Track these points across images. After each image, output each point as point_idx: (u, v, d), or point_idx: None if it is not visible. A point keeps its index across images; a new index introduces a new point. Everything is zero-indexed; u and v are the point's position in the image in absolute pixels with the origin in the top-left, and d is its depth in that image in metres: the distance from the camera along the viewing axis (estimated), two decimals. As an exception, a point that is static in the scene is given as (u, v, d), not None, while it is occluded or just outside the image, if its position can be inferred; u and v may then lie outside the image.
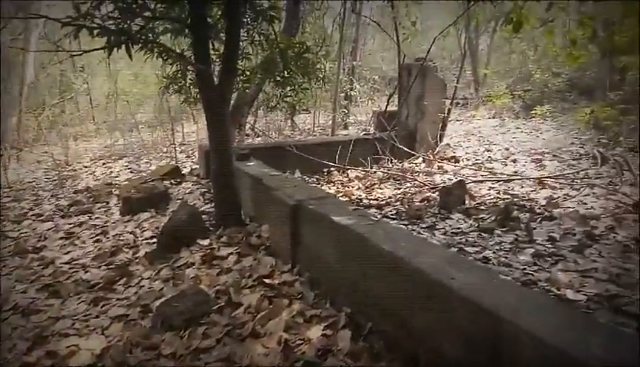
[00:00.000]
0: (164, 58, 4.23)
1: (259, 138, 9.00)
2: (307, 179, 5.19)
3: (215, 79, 3.47)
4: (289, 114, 9.60)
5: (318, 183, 5.16)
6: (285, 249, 2.79)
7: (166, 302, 2.41)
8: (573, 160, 5.91)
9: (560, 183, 4.69)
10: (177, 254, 3.10)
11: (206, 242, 3.18)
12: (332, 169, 5.44)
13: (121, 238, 3.66)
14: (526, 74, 12.11)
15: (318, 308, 2.28)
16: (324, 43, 8.82)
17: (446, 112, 6.63)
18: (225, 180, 3.45)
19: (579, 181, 4.72)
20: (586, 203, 4.03)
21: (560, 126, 8.78)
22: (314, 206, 2.62)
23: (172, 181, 4.93)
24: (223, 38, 3.54)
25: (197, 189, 4.58)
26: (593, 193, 4.31)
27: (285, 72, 5.17)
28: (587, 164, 5.47)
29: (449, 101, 6.80)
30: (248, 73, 5.25)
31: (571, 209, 3.86)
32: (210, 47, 4.65)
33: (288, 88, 5.61)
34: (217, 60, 4.37)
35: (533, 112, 9.37)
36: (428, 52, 5.82)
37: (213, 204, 3.84)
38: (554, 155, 6.29)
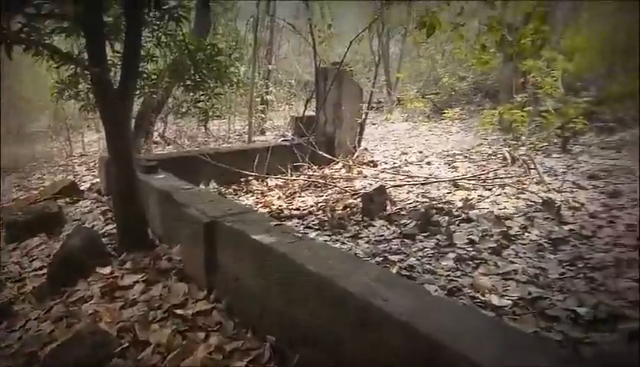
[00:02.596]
0: (56, 60, 3.75)
1: (170, 147, 8.47)
2: (223, 190, 4.89)
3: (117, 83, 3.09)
4: (202, 120, 9.15)
5: (236, 194, 4.89)
6: (200, 273, 2.52)
7: (57, 348, 2.03)
8: (483, 160, 6.19)
9: (474, 184, 4.84)
10: (72, 286, 2.68)
11: (107, 270, 2.79)
12: (251, 178, 5.19)
13: (3, 270, 3.13)
14: (435, 78, 12.68)
15: (239, 339, 2.04)
16: (238, 45, 8.53)
17: (363, 116, 6.65)
18: (128, 197, 3.07)
19: (490, 181, 4.91)
20: (499, 203, 4.17)
21: (468, 128, 9.25)
22: (231, 223, 2.38)
23: (68, 199, 4.37)
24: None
25: (98, 207, 4.10)
26: (505, 193, 4.48)
27: (196, 76, 4.85)
28: (496, 165, 5.73)
29: (366, 105, 6.83)
30: (154, 76, 4.85)
31: (486, 210, 3.96)
32: (110, 48, 4.23)
33: (200, 93, 5.27)
34: (118, 62, 3.95)
35: (443, 114, 9.78)
36: (344, 56, 5.78)
37: (115, 225, 3.43)
38: (465, 156, 6.56)
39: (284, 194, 4.81)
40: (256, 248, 2.12)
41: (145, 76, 4.73)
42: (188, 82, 4.90)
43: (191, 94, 5.61)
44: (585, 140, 6.89)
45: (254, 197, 4.77)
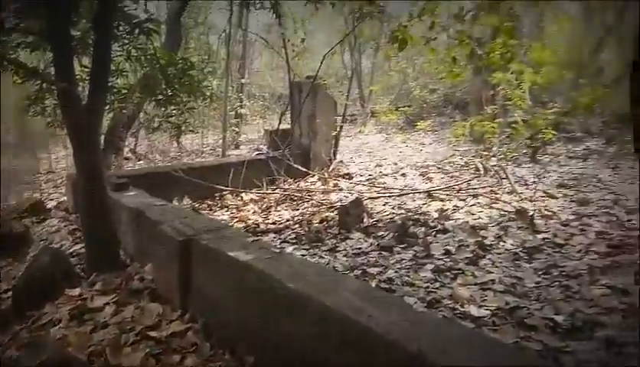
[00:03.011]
0: (21, 76, 3.63)
1: (141, 162, 8.29)
2: (197, 206, 4.80)
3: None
4: (175, 135, 9.00)
5: (211, 210, 4.80)
6: (174, 293, 2.43)
7: (22, 377, 1.92)
8: (456, 171, 6.27)
9: (448, 195, 4.89)
10: (39, 310, 2.55)
11: (76, 292, 2.66)
12: (225, 193, 5.11)
13: (-36, 295, 2.96)
14: (406, 91, 12.88)
15: (216, 361, 1.97)
16: (210, 59, 8.47)
17: (338, 129, 6.68)
18: (98, 215, 2.97)
19: (464, 192, 4.97)
20: (473, 214, 4.21)
21: (440, 139, 9.39)
22: (207, 241, 2.32)
23: (34, 218, 4.20)
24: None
25: (65, 226, 3.95)
26: (478, 203, 4.54)
27: (168, 90, 4.77)
28: (469, 175, 5.81)
29: (340, 118, 6.87)
30: (124, 91, 4.75)
31: (461, 221, 4.00)
32: (78, 63, 4.12)
33: (172, 107, 5.19)
34: (86, 77, 3.86)
35: (417, 126, 9.92)
36: (318, 70, 5.81)
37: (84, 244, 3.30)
38: (439, 167, 6.63)
39: (260, 208, 4.75)
40: (233, 266, 2.07)
41: (114, 90, 4.62)
42: (160, 97, 4.82)
43: (163, 109, 5.52)
44: (553, 149, 7.08)
45: (229, 212, 4.70)
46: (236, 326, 2.03)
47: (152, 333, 2.18)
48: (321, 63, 5.58)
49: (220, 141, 9.13)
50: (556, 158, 6.64)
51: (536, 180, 5.40)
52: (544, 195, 4.64)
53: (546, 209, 4.10)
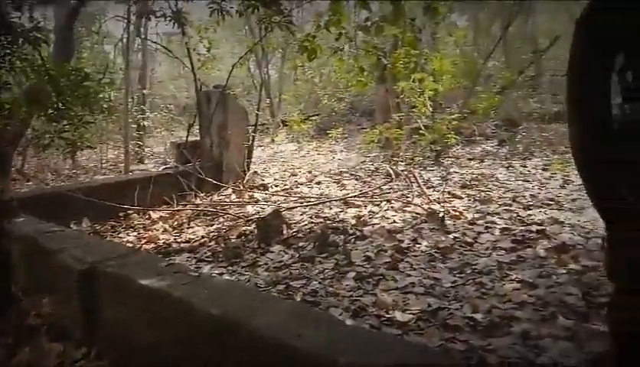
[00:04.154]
0: None
1: (30, 183, 7.47)
2: (99, 228, 4.40)
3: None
4: (69, 152, 8.23)
5: (115, 231, 4.43)
6: (78, 328, 2.18)
7: None
8: (368, 177, 6.44)
9: (363, 201, 4.98)
10: None
11: (-43, 339, 2.29)
12: (130, 212, 4.74)
13: None
14: (315, 100, 13.08)
15: (132, 402, 1.78)
16: (107, 70, 7.89)
17: (251, 139, 6.56)
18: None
19: (378, 197, 5.09)
20: (388, 218, 4.32)
21: (350, 146, 9.63)
22: (113, 268, 2.10)
23: None
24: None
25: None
26: (392, 207, 4.67)
27: (60, 103, 4.34)
28: (381, 180, 5.99)
29: (252, 128, 6.75)
30: (8, 106, 4.24)
31: (378, 226, 4.08)
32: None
33: (65, 122, 4.73)
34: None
35: (327, 134, 10.09)
36: (228, 79, 5.65)
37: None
38: (351, 174, 6.77)
39: (170, 226, 4.47)
40: (145, 295, 1.89)
41: (-4, 106, 4.11)
42: (50, 111, 4.37)
43: (55, 124, 5.02)
44: (453, 152, 7.55)
45: (136, 233, 4.37)
46: (153, 361, 1.85)
47: (54, 378, 1.92)
48: (230, 72, 5.44)
49: (122, 156, 8.55)
50: (457, 160, 7.09)
51: (441, 181, 5.71)
52: (450, 196, 4.90)
53: (453, 210, 4.32)
